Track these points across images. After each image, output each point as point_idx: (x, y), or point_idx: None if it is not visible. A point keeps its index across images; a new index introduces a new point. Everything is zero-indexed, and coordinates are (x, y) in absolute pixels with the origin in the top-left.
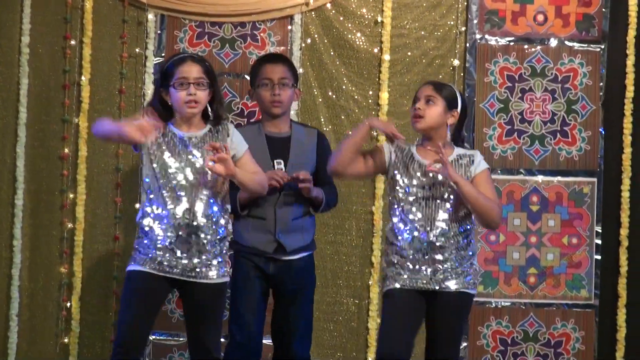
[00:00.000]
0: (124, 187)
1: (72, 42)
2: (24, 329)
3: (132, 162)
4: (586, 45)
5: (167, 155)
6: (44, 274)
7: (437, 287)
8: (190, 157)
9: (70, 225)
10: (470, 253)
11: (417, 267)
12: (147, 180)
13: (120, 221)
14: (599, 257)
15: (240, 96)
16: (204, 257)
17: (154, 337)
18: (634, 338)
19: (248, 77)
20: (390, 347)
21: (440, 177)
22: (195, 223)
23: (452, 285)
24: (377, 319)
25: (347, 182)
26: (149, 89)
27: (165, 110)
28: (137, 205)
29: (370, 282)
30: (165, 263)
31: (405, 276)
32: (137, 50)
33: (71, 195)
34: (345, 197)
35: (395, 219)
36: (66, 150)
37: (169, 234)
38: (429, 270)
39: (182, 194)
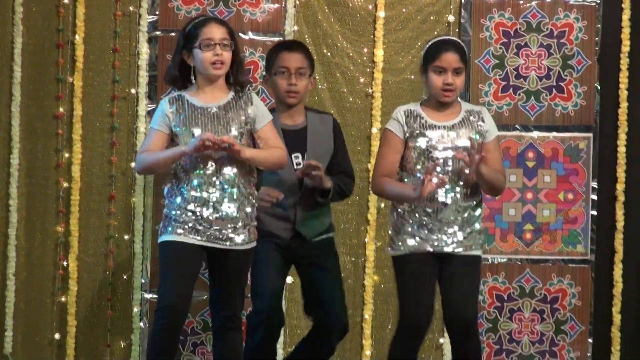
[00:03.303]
0: (119, 146)
1: (66, 1)
2: (21, 288)
3: (128, 121)
4: (581, 0)
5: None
6: (40, 233)
7: (447, 250)
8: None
9: (66, 184)
10: (478, 214)
11: (427, 226)
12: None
13: (115, 180)
14: (594, 212)
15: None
16: (231, 222)
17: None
18: (630, 293)
19: (264, 63)
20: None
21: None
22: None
23: (459, 247)
24: (373, 277)
25: None
26: (143, 48)
27: (182, 76)
28: (133, 164)
29: (366, 240)
30: (199, 228)
31: (417, 239)
32: (130, 8)
33: (66, 155)
34: None
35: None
36: (61, 110)
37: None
38: (438, 229)
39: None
